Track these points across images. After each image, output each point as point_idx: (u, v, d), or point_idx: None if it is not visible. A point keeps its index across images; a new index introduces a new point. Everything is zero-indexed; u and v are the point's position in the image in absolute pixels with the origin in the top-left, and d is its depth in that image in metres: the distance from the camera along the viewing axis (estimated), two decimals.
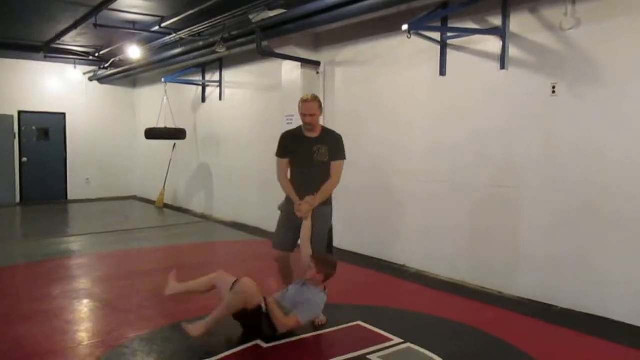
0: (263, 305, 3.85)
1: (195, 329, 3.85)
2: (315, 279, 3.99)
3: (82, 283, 5.59)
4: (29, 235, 8.74)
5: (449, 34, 5.68)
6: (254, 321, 3.87)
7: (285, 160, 4.44)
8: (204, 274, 4.18)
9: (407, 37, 5.12)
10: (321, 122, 7.47)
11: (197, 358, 3.58)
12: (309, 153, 4.32)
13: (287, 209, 4.41)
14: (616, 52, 4.42)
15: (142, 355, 3.71)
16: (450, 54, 5.74)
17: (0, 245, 7.60)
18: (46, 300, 4.95)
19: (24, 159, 12.05)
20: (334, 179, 4.35)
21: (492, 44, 5.30)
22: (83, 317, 4.55)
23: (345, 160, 4.42)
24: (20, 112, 11.94)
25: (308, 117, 4.30)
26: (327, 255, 4.31)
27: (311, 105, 4.29)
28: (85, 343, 3.91)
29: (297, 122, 7.37)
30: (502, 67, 5.21)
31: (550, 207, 4.88)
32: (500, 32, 5.18)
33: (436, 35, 5.70)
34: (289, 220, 4.36)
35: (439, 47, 5.77)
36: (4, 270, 6.19)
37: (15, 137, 11.91)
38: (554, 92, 4.82)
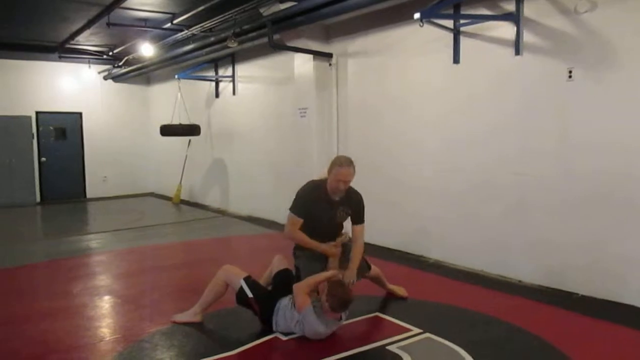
0: (247, 290, 3.88)
1: (181, 316, 4.17)
2: (323, 306, 3.72)
3: (103, 280, 5.66)
4: (50, 234, 8.88)
5: (461, 21, 5.61)
6: (248, 305, 3.94)
7: (301, 220, 4.00)
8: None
9: (420, 25, 5.05)
10: (334, 115, 7.65)
11: (216, 352, 3.60)
12: (332, 216, 4.08)
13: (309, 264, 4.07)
14: (633, 35, 4.32)
15: (163, 349, 3.75)
16: (464, 41, 5.67)
17: (22, 244, 7.73)
18: (67, 297, 5.02)
19: (43, 159, 12.23)
20: (360, 244, 4.12)
21: (506, 29, 5.23)
22: (104, 313, 4.60)
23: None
24: (37, 113, 12.09)
25: (342, 184, 3.90)
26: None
27: (349, 171, 3.88)
28: (107, 339, 3.96)
29: (310, 114, 7.44)
30: (517, 52, 5.14)
31: (567, 194, 4.81)
32: (514, 18, 5.10)
33: (449, 23, 5.63)
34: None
35: (452, 34, 5.70)
36: (26, 268, 6.29)
37: (33, 137, 12.08)
38: (570, 76, 4.74)
